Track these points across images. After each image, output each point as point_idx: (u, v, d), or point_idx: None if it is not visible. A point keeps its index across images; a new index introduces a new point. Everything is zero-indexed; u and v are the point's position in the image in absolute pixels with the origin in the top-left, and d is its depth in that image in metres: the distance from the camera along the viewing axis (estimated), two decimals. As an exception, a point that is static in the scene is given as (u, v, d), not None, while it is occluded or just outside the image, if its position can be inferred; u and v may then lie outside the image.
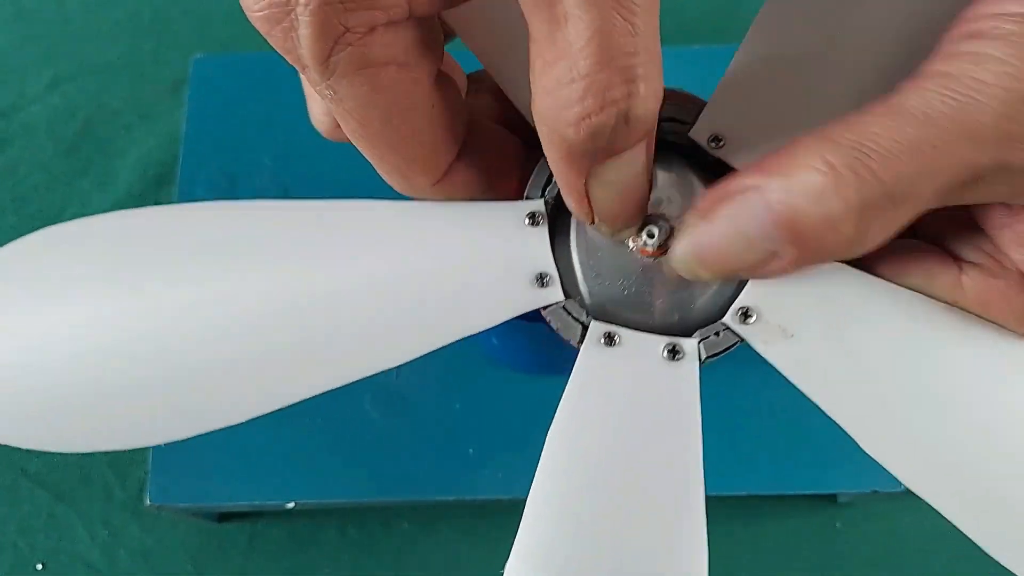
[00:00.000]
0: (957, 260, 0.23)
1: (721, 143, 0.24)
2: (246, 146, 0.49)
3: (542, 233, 0.24)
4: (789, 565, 0.48)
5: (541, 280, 0.24)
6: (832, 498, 0.48)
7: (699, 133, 0.24)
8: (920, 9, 0.22)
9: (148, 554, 0.48)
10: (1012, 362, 0.22)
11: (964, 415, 0.22)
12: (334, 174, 0.49)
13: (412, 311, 0.23)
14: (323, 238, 0.24)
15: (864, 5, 0.23)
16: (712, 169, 0.24)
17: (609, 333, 0.23)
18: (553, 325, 0.24)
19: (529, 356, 0.44)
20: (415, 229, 0.24)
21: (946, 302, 0.23)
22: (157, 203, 0.53)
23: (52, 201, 0.53)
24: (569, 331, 0.23)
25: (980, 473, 0.22)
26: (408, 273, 0.24)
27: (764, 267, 0.20)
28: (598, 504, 0.22)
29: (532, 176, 0.24)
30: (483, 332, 0.45)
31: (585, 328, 0.23)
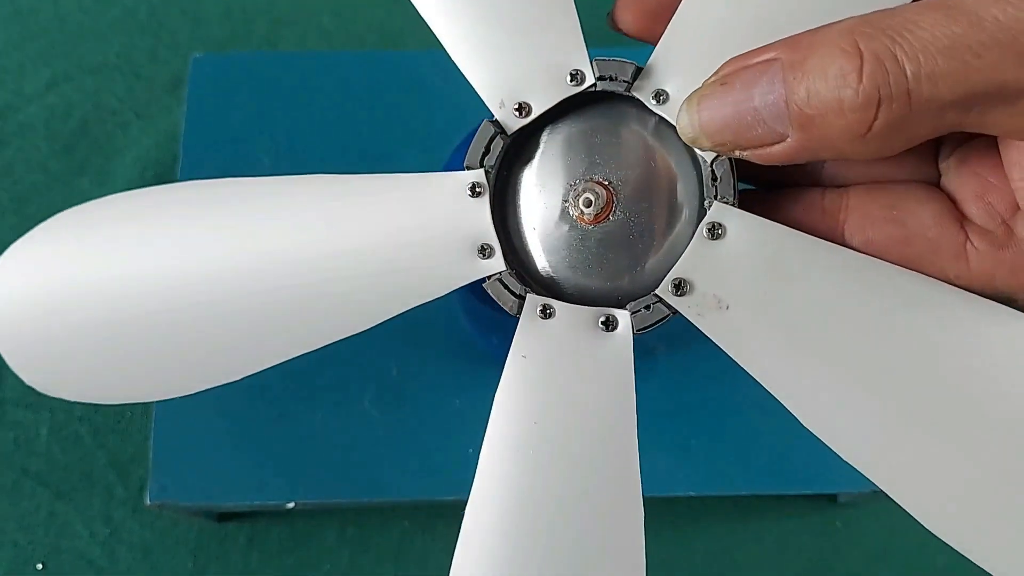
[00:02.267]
0: (964, 223, 0.22)
1: (664, 99, 0.23)
2: (245, 146, 0.49)
3: (483, 204, 0.24)
4: (789, 564, 0.48)
5: (483, 251, 0.24)
6: (832, 498, 0.48)
7: (641, 90, 0.23)
8: None
9: (148, 552, 0.48)
10: (961, 337, 0.22)
11: (907, 385, 0.21)
12: (333, 173, 0.49)
13: (358, 284, 0.24)
14: (271, 211, 0.25)
15: None
16: (655, 131, 0.24)
17: (545, 305, 0.23)
18: (492, 295, 0.24)
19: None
20: (360, 203, 0.24)
21: (947, 280, 0.22)
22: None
23: (50, 201, 0.53)
24: (506, 302, 0.24)
25: (917, 444, 0.21)
26: (352, 247, 0.24)
27: (767, 148, 0.20)
28: (543, 471, 0.22)
29: (471, 145, 0.24)
30: (483, 332, 0.45)
31: (522, 300, 0.23)
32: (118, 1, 0.57)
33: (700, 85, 0.21)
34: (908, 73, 0.18)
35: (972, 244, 0.22)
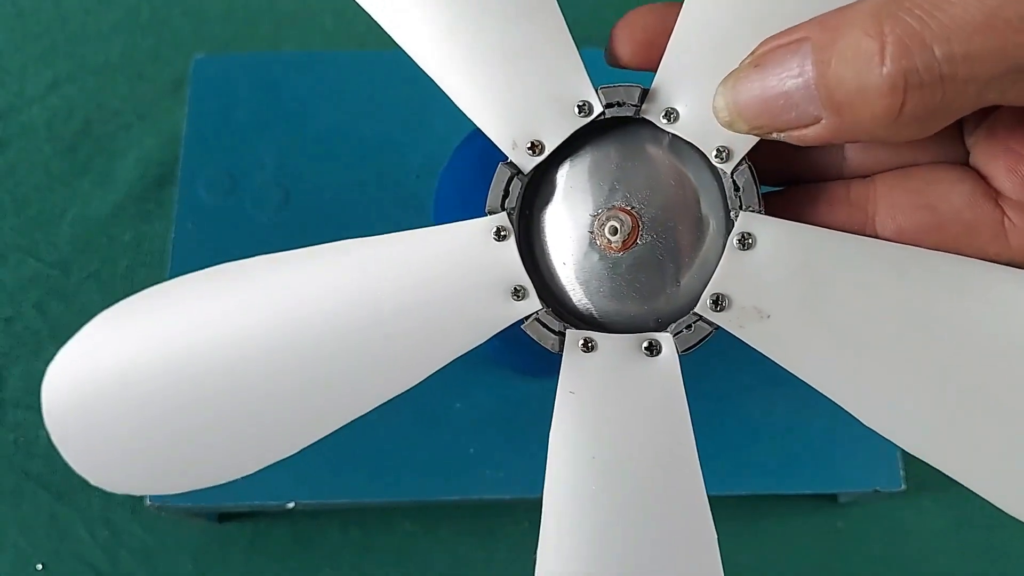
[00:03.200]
0: (999, 199, 0.21)
1: (675, 117, 0.23)
2: (247, 146, 0.49)
3: (510, 246, 0.24)
4: (790, 565, 0.48)
5: (517, 293, 0.23)
6: (833, 498, 0.48)
7: (651, 112, 0.23)
8: None
9: (149, 554, 0.48)
10: (1010, 313, 0.21)
11: (962, 369, 0.21)
12: (334, 174, 0.49)
13: (398, 344, 0.24)
14: (305, 284, 0.25)
15: None
16: (671, 149, 0.24)
17: (587, 339, 0.23)
18: (532, 335, 0.24)
19: (530, 357, 0.44)
20: (390, 263, 0.24)
21: (988, 258, 0.21)
22: (158, 203, 0.53)
23: (52, 201, 0.53)
24: (547, 342, 0.23)
25: (980, 429, 0.21)
26: (387, 308, 0.24)
27: (802, 131, 0.19)
28: (608, 507, 0.22)
29: (490, 189, 0.24)
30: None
31: (562, 336, 0.23)
32: (120, 2, 0.57)
33: (737, 66, 0.21)
34: (938, 55, 0.17)
35: (1010, 219, 0.21)
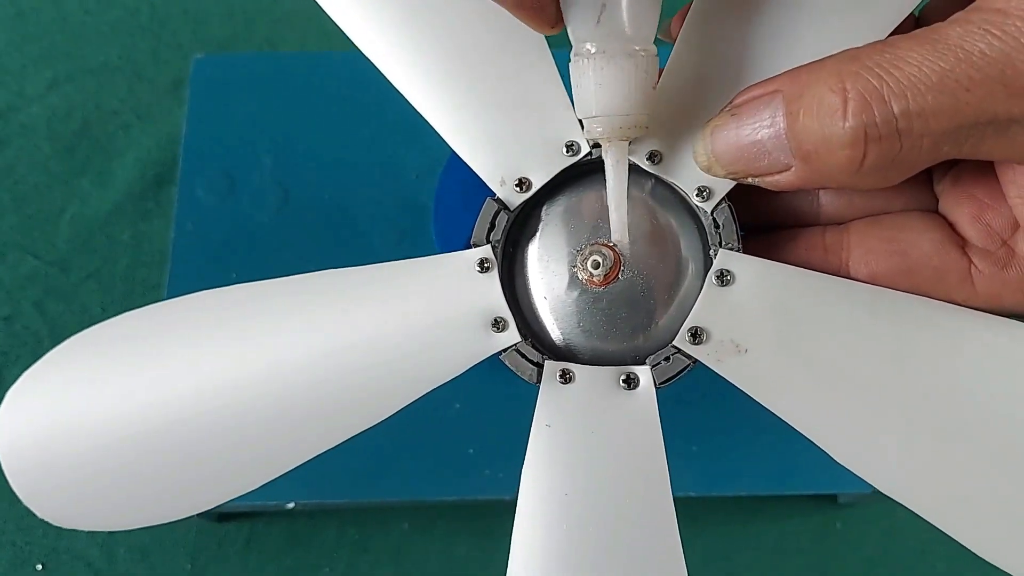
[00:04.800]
0: (966, 247, 0.22)
1: (658, 159, 0.24)
2: (246, 146, 0.49)
3: (492, 278, 0.24)
4: (789, 565, 0.48)
5: (497, 324, 0.24)
6: (832, 498, 0.48)
7: (635, 153, 0.24)
8: (847, 25, 0.22)
9: (146, 552, 0.48)
10: (978, 354, 0.22)
11: (932, 412, 0.22)
12: (333, 174, 0.49)
13: (375, 373, 0.24)
14: (280, 315, 0.25)
15: (786, 18, 0.23)
16: (653, 191, 0.24)
17: (564, 370, 0.23)
18: (510, 366, 0.24)
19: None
20: (370, 293, 0.24)
21: (955, 303, 0.22)
22: (157, 202, 0.53)
23: (51, 201, 0.53)
24: (525, 371, 0.24)
25: (953, 469, 0.21)
26: (365, 338, 0.24)
27: (775, 176, 0.21)
28: (580, 544, 0.22)
29: (476, 222, 0.24)
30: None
31: (540, 367, 0.23)
32: (120, 2, 0.57)
33: (716, 114, 0.22)
34: (896, 111, 0.18)
35: (976, 267, 0.22)
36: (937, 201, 0.23)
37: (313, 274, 0.25)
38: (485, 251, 0.24)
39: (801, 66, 0.20)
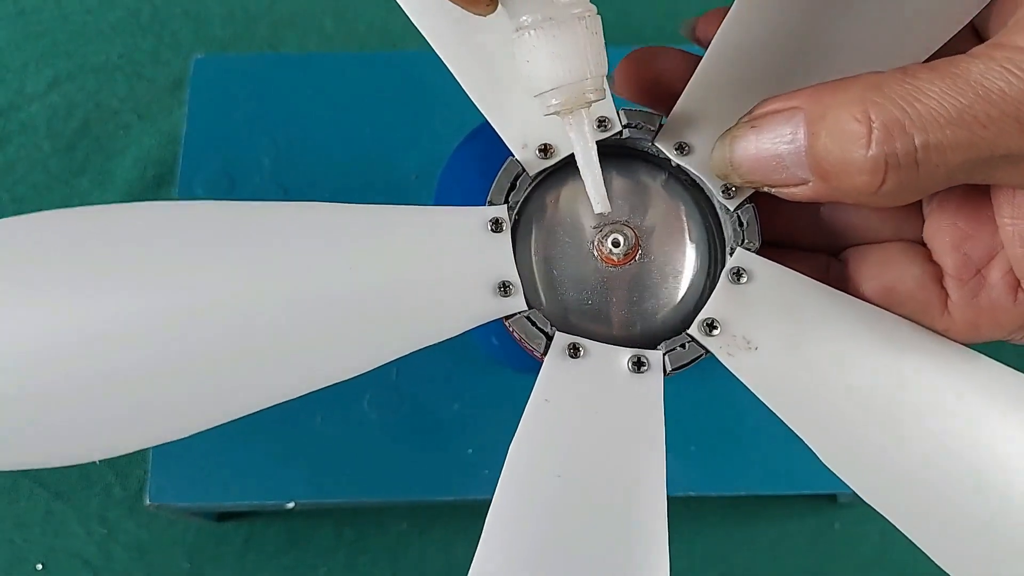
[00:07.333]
0: (943, 279, 0.23)
1: (687, 151, 0.24)
2: (246, 146, 0.49)
3: (504, 240, 0.23)
4: (788, 565, 0.48)
5: (504, 288, 0.23)
6: (831, 498, 0.48)
7: (665, 140, 0.24)
8: (895, 18, 0.23)
9: (145, 551, 0.48)
10: (968, 377, 0.23)
11: (919, 429, 0.22)
12: (333, 174, 0.49)
13: (374, 319, 0.23)
14: (284, 242, 0.23)
15: (833, 13, 0.23)
16: (677, 177, 0.24)
17: (574, 344, 0.23)
18: (517, 335, 0.23)
19: (529, 356, 0.44)
20: (377, 234, 0.23)
21: (939, 332, 0.23)
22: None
23: (51, 200, 0.53)
24: (533, 341, 0.23)
25: (931, 486, 0.22)
26: (370, 281, 0.23)
27: (791, 189, 0.21)
28: (559, 515, 0.22)
29: (495, 180, 0.24)
30: (483, 332, 0.45)
31: (550, 339, 0.23)
32: (121, 2, 0.58)
33: (735, 123, 0.22)
34: (916, 142, 0.19)
35: (951, 299, 0.23)
36: (923, 221, 0.24)
37: (305, 203, 0.23)
38: (500, 210, 0.23)
39: (822, 85, 0.20)
